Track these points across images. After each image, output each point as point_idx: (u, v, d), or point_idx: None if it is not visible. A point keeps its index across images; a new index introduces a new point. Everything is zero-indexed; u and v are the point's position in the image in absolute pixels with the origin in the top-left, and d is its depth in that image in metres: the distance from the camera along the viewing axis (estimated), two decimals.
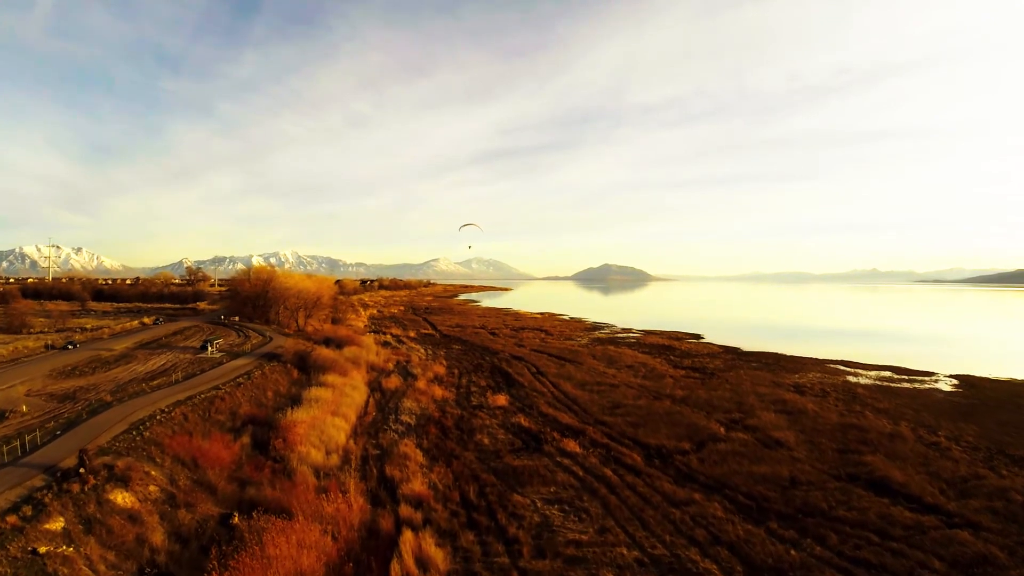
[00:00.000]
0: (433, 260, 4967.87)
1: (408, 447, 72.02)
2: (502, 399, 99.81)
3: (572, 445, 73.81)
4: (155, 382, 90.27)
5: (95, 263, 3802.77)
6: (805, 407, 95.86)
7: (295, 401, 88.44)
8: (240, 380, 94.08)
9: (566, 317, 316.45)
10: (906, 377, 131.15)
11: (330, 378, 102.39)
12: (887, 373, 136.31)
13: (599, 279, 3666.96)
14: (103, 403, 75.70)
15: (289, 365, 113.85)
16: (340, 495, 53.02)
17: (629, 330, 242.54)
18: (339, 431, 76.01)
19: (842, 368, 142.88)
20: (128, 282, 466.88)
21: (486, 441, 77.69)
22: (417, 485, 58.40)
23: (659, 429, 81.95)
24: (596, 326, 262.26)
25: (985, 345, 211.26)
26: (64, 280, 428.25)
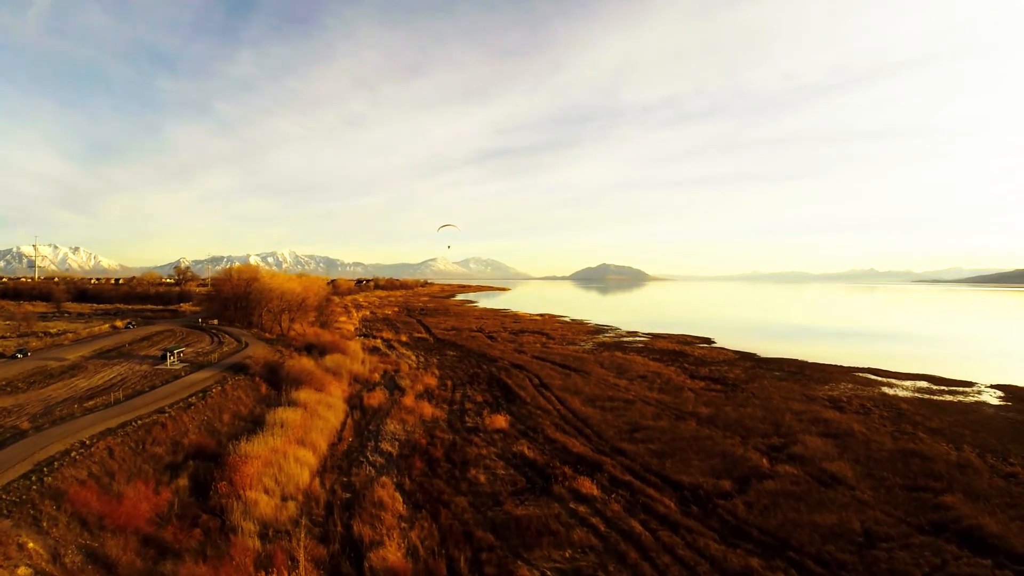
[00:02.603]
0: (431, 260, 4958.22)
1: (386, 489, 57.65)
2: (501, 420, 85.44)
3: (588, 485, 59.71)
4: (92, 402, 75.76)
5: (92, 263, 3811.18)
6: (851, 428, 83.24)
7: (257, 425, 74.96)
8: (192, 399, 79.68)
9: (567, 319, 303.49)
10: (945, 388, 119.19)
11: (303, 394, 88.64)
12: (923, 383, 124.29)
13: (597, 279, 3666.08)
14: (16, 432, 61.27)
15: (257, 379, 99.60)
16: (286, 573, 39.56)
17: (635, 333, 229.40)
18: (303, 467, 61.55)
19: (873, 377, 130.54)
20: (116, 282, 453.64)
21: (482, 479, 63.17)
22: (392, 552, 44.24)
23: (690, 460, 68.35)
24: (599, 329, 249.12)
25: (1003, 348, 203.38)
26: (51, 280, 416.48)
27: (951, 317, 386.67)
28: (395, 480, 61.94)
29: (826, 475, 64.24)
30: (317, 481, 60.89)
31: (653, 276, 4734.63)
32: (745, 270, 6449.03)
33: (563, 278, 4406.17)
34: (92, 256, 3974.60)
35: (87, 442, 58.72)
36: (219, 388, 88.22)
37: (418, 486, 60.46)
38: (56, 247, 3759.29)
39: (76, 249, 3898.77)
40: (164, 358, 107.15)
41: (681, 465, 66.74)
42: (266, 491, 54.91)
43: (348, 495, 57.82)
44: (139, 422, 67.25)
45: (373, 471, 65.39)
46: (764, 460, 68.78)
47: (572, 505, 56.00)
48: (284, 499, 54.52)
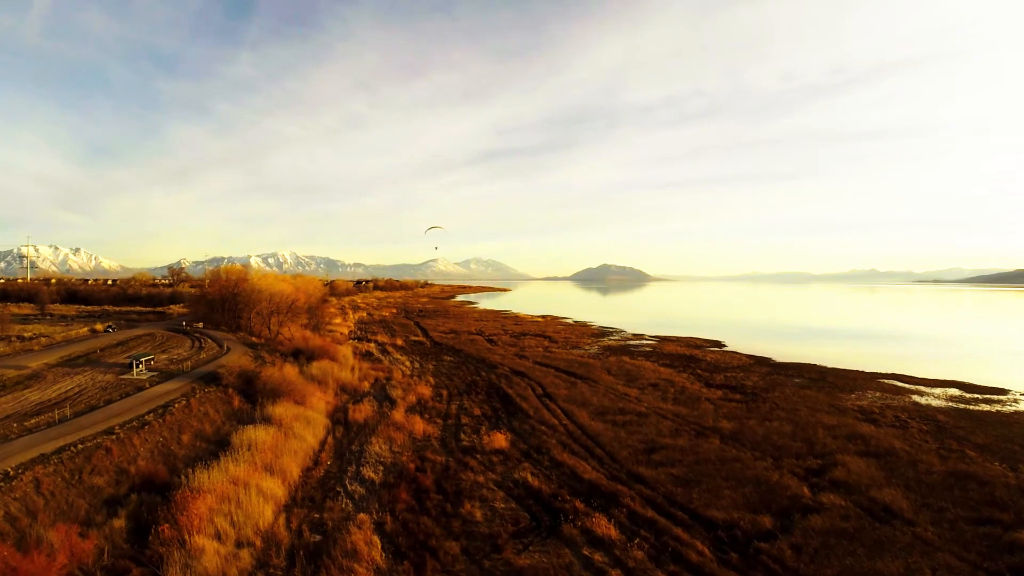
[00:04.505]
0: (432, 260, 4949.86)
1: (363, 530, 48.00)
2: (501, 438, 75.64)
3: (603, 524, 50.04)
4: (35, 420, 66.42)
5: (93, 263, 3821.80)
6: (892, 445, 74.43)
7: (221, 447, 65.66)
8: (149, 417, 70.17)
9: (570, 321, 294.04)
10: (978, 396, 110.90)
11: (280, 408, 79.27)
12: (954, 391, 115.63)
13: (598, 279, 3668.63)
14: None
15: (231, 391, 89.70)
16: None
17: (641, 336, 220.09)
18: (266, 502, 52.03)
19: (900, 385, 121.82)
20: (109, 283, 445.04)
21: (478, 515, 53.28)
22: None
23: (719, 489, 58.97)
24: (604, 331, 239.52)
25: (1013, 348, 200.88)
26: (43, 281, 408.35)
27: (959, 317, 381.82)
28: (375, 517, 52.35)
29: (878, 506, 55.32)
30: (282, 519, 51.34)
31: (654, 277, 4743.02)
32: (746, 270, 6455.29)
33: (564, 279, 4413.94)
34: (93, 257, 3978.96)
35: (11, 472, 49.74)
36: (184, 403, 78.61)
37: (402, 525, 50.84)
38: (57, 248, 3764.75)
39: (77, 250, 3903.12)
40: (132, 367, 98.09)
41: (710, 496, 57.39)
42: (217, 535, 45.76)
43: (317, 538, 48.24)
44: (80, 446, 58.11)
45: (351, 505, 55.85)
46: (804, 488, 59.53)
47: (586, 551, 46.51)
48: (238, 545, 45.27)
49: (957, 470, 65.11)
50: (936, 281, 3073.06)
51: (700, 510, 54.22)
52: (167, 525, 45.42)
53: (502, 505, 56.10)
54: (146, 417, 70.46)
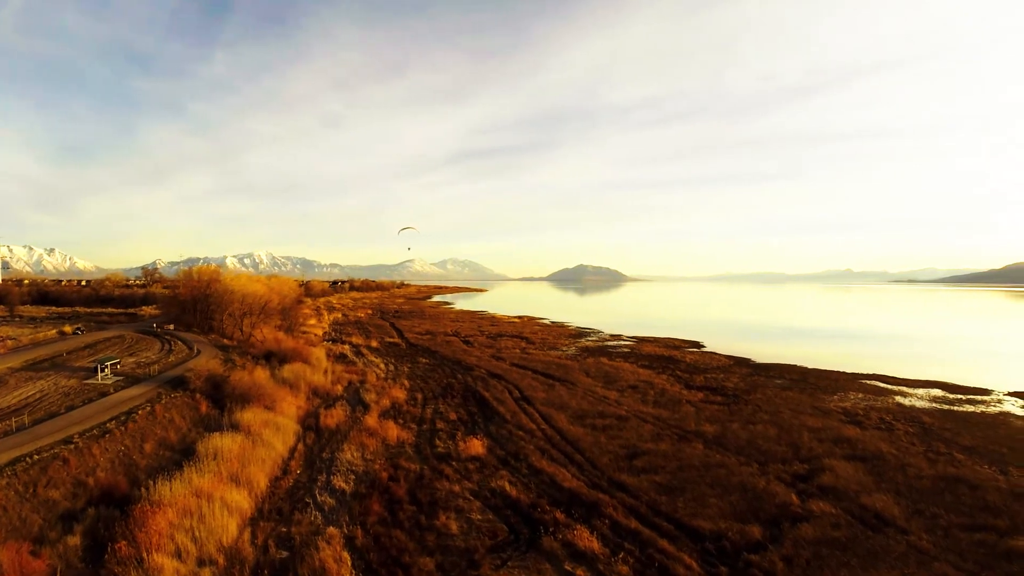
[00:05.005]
0: (408, 261, 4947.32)
1: (332, 546, 45.32)
2: (477, 444, 72.94)
3: (585, 536, 47.62)
4: None
5: (68, 264, 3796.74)
6: (879, 449, 73.05)
7: (186, 456, 62.65)
8: (111, 425, 67.03)
9: (547, 321, 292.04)
10: (962, 396, 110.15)
11: (249, 414, 76.34)
12: (937, 391, 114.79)
13: (574, 280, 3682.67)
14: None
15: (198, 396, 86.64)
16: None
17: (619, 337, 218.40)
18: (231, 515, 49.19)
19: (882, 386, 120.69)
20: (82, 284, 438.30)
21: (454, 527, 50.70)
22: None
23: (704, 497, 56.78)
24: (581, 332, 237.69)
25: (998, 349, 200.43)
26: (14, 282, 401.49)
27: (935, 317, 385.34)
28: (345, 531, 49.65)
29: (869, 514, 53.52)
30: (247, 534, 48.42)
31: (630, 277, 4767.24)
32: (722, 271, 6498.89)
33: (540, 279, 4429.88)
34: (67, 258, 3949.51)
35: None
36: (148, 409, 75.45)
37: (373, 540, 48.07)
38: (31, 249, 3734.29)
39: (52, 251, 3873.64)
40: (97, 371, 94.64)
41: (696, 505, 55.17)
42: (178, 553, 42.94)
43: (284, 554, 45.52)
44: (37, 456, 55.19)
45: (320, 517, 52.99)
46: (792, 495, 57.56)
47: (568, 567, 44.00)
48: (200, 563, 42.47)
49: (947, 474, 63.80)
50: (911, 281, 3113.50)
51: (686, 520, 52.00)
52: (124, 542, 42.62)
53: (479, 516, 53.49)
54: (108, 425, 67.43)
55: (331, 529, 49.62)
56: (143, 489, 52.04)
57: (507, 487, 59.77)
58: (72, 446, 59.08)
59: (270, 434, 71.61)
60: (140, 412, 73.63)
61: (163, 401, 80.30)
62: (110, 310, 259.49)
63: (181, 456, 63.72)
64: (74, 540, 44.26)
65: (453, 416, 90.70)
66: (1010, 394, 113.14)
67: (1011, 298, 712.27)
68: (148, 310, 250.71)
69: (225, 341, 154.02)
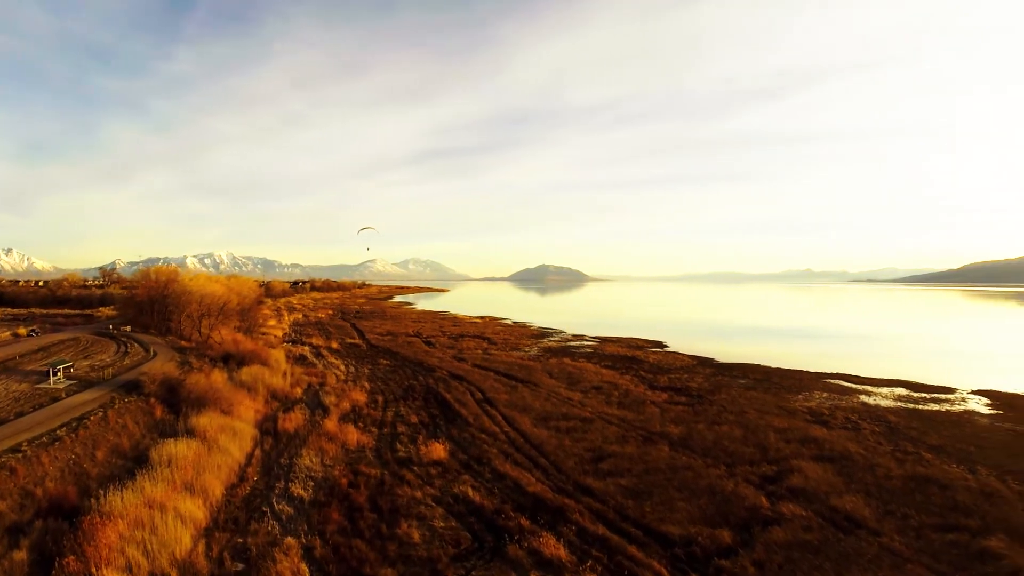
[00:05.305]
0: (370, 261, 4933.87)
1: (290, 557, 43.02)
2: (439, 448, 70.89)
3: (551, 543, 45.83)
4: None
5: (26, 264, 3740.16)
6: (847, 449, 72.20)
7: (140, 463, 59.85)
8: (61, 432, 64.01)
9: (509, 322, 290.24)
10: (926, 395, 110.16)
11: (205, 419, 73.36)
12: (901, 390, 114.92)
13: (536, 280, 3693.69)
14: None
15: (153, 400, 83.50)
16: None
17: (581, 337, 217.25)
18: (185, 526, 46.73)
19: (847, 385, 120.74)
20: (40, 284, 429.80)
21: (416, 536, 48.62)
22: None
23: (673, 501, 55.33)
24: (543, 332, 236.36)
25: (959, 347, 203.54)
26: None
27: (895, 316, 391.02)
28: (304, 541, 47.44)
29: (840, 516, 52.54)
30: (202, 546, 45.92)
31: (592, 277, 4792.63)
32: (683, 271, 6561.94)
33: (502, 279, 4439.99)
34: (25, 258, 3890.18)
35: None
36: (101, 414, 72.37)
37: (333, 550, 45.87)
38: None
39: (9, 251, 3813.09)
40: (49, 375, 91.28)
41: (664, 509, 53.71)
42: (129, 567, 40.47)
43: (240, 567, 43.22)
44: None
45: (277, 527, 50.63)
46: (762, 497, 56.35)
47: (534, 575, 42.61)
48: None
49: (916, 474, 63.20)
50: (871, 281, 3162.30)
51: (654, 525, 50.53)
52: (73, 557, 40.12)
53: (442, 524, 51.48)
54: (58, 432, 64.39)
55: (289, 539, 47.39)
56: (93, 500, 49.33)
57: (470, 493, 57.90)
58: (20, 455, 56.18)
59: (226, 439, 69.03)
60: (92, 418, 70.61)
61: (116, 406, 77.23)
62: (67, 311, 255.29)
63: (134, 464, 60.99)
64: (20, 555, 41.60)
65: (414, 419, 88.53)
66: (974, 392, 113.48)
67: (969, 297, 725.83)
68: (105, 311, 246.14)
69: (183, 343, 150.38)
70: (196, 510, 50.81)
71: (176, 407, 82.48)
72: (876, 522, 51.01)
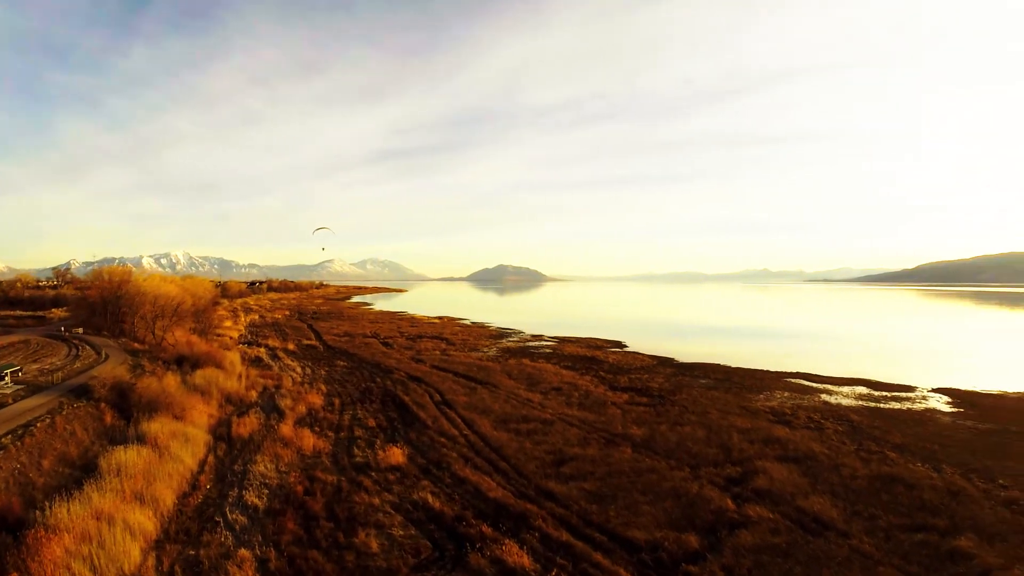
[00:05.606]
0: (327, 261, 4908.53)
1: (244, 570, 40.70)
2: (397, 453, 68.69)
3: (515, 551, 44.19)
4: None
5: None
6: (811, 449, 71.43)
7: (87, 472, 56.99)
8: (6, 440, 60.42)
9: (467, 322, 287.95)
10: (887, 394, 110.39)
11: (156, 425, 70.44)
12: (862, 389, 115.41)
13: (494, 280, 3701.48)
14: None
15: (103, 405, 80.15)
16: None
17: (540, 337, 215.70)
18: (135, 538, 44.29)
19: (807, 384, 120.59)
20: None
21: (374, 545, 46.57)
22: None
23: (637, 505, 53.98)
24: (502, 332, 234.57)
25: (916, 345, 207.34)
26: None
27: (852, 314, 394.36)
28: (258, 553, 45.21)
29: (807, 517, 51.50)
30: (152, 559, 43.45)
31: (550, 277, 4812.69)
32: (641, 271, 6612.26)
33: (461, 279, 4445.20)
34: None
35: None
36: (48, 421, 69.09)
37: (288, 562, 43.73)
38: None
39: None
40: None
41: (629, 513, 52.27)
42: None
43: None
44: None
45: (231, 538, 48.26)
46: (727, 500, 55.14)
47: None
48: None
49: (881, 473, 62.69)
50: (827, 280, 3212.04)
51: (619, 530, 49.05)
52: (16, 573, 37.78)
53: (401, 532, 49.55)
54: (2, 440, 61.25)
55: (243, 551, 45.16)
56: (39, 512, 46.75)
57: (430, 499, 55.95)
58: None
59: (178, 446, 66.26)
60: (39, 424, 67.46)
61: (65, 412, 73.99)
62: (18, 313, 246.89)
63: (82, 473, 58.09)
64: None
65: (372, 422, 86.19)
66: (934, 390, 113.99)
67: (923, 296, 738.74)
68: (58, 312, 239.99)
69: (136, 345, 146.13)
70: (146, 521, 48.38)
71: (127, 412, 79.42)
72: (844, 523, 50.16)
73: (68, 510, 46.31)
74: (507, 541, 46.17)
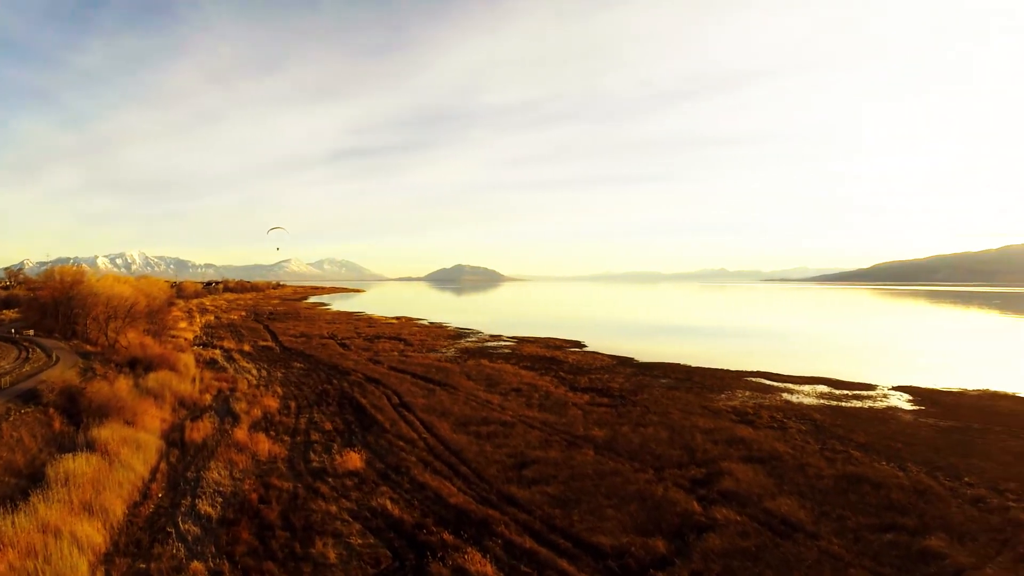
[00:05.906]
0: (284, 261, 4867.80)
1: None
2: (355, 458, 66.39)
3: (477, 560, 42.41)
4: None
5: None
6: (775, 449, 70.68)
7: (34, 482, 53.95)
8: None
9: (425, 322, 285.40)
10: (848, 392, 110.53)
11: (106, 431, 67.18)
12: (823, 387, 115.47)
13: (452, 279, 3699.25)
14: None
15: (52, 411, 77.02)
16: None
17: (499, 337, 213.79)
18: (82, 553, 41.64)
19: (768, 383, 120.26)
20: None
21: (332, 556, 44.59)
22: None
23: (602, 509, 52.47)
24: (460, 333, 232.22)
25: (873, 343, 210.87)
26: None
27: (809, 313, 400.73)
28: (211, 565, 42.86)
29: (775, 519, 50.44)
30: (100, 574, 41.25)
31: (508, 276, 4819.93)
32: (598, 270, 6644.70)
33: (418, 279, 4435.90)
34: None
35: None
36: None
37: (242, 574, 41.89)
38: None
39: None
40: None
41: (593, 518, 50.78)
42: None
43: None
44: None
45: (183, 550, 45.85)
46: (693, 502, 53.94)
47: None
48: None
49: (847, 472, 62.11)
50: (783, 280, 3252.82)
51: (584, 536, 47.54)
52: None
53: (359, 541, 47.52)
54: None
55: (195, 564, 42.82)
56: None
57: (389, 505, 53.99)
58: None
59: (129, 453, 63.42)
60: None
61: (12, 418, 70.72)
62: None
63: (28, 483, 55.03)
64: None
65: (328, 426, 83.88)
66: (894, 388, 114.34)
67: (878, 295, 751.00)
68: (9, 314, 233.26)
69: (88, 347, 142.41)
70: (95, 533, 45.90)
71: (77, 418, 76.14)
72: (813, 524, 49.24)
73: (13, 523, 43.72)
74: (469, 549, 44.46)
